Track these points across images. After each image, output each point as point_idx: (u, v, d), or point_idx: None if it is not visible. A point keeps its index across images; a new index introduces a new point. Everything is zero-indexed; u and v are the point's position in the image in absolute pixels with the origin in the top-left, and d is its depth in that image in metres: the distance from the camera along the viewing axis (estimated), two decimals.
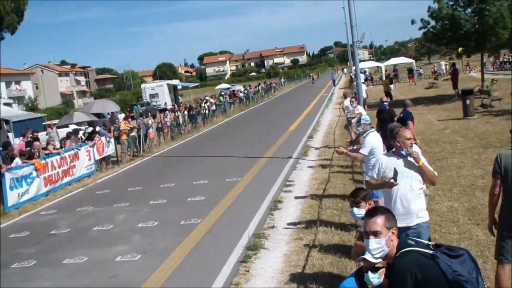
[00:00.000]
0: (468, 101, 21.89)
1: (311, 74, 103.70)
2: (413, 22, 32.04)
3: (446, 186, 11.32)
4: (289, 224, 10.34)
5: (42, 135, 24.89)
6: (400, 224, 5.78)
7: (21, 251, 10.70)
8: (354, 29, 17.44)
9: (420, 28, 31.97)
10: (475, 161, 13.46)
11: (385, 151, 8.21)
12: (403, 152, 5.87)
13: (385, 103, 14.11)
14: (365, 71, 62.95)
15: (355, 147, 13.48)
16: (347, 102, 18.47)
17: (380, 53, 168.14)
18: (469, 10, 29.51)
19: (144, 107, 47.30)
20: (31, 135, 19.34)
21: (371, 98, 38.62)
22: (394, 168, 5.78)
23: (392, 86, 40.62)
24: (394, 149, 6.09)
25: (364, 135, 9.12)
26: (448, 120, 22.05)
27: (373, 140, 8.95)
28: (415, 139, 10.34)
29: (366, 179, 6.39)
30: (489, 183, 10.99)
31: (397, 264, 3.56)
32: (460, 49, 33.76)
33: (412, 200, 5.90)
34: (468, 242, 7.94)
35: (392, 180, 5.74)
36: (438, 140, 17.36)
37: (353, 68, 31.13)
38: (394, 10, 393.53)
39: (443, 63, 61.91)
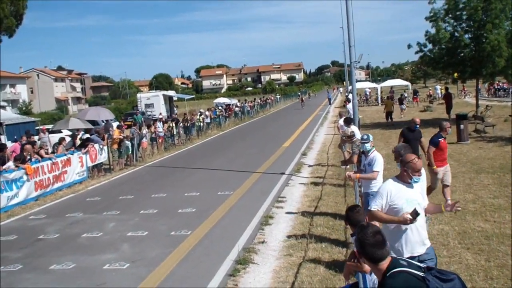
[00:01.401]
0: (462, 126, 21.99)
1: (299, 94, 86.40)
2: (409, 46, 32.28)
3: None
4: (279, 240, 10.31)
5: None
6: (417, 251, 5.67)
7: (7, 255, 10.59)
8: (352, 49, 17.39)
9: (416, 52, 32.23)
10: (467, 186, 13.49)
11: None
12: (411, 181, 5.71)
13: (417, 125, 13.58)
14: (365, 92, 63.28)
15: (347, 166, 13.55)
16: (342, 121, 18.58)
17: (376, 74, 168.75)
18: (466, 36, 29.74)
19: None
20: (27, 138, 19.27)
21: (366, 118, 38.83)
22: (415, 208, 5.50)
23: (403, 106, 40.84)
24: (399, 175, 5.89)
25: (371, 152, 9.16)
26: None
27: (381, 157, 9.05)
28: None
29: (372, 209, 5.80)
30: (480, 208, 11.09)
31: (387, 284, 3.54)
32: (456, 74, 33.98)
33: (424, 227, 5.84)
34: (457, 266, 7.93)
35: (408, 216, 5.46)
36: None
37: (350, 87, 31.22)
38: (392, 32, 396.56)
39: (438, 87, 62.27)
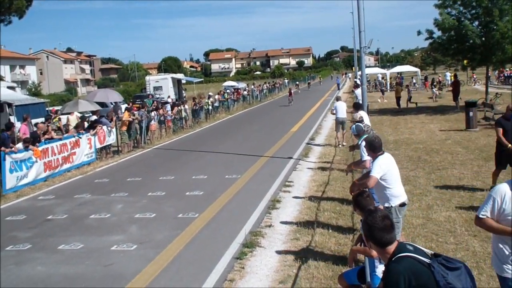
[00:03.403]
0: (471, 113, 21.91)
1: (296, 83, 74.67)
2: (419, 33, 32.04)
3: (445, 196, 11.33)
4: (286, 224, 10.35)
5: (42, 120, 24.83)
6: None
7: (16, 234, 10.71)
8: (362, 34, 17.34)
9: (426, 39, 32.02)
10: (475, 173, 13.45)
11: None
12: None
13: None
14: (378, 78, 63.03)
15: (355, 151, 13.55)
16: (336, 103, 20.88)
17: (386, 60, 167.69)
18: (476, 23, 29.50)
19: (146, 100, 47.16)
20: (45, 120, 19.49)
21: (375, 104, 38.68)
22: None
23: (435, 90, 40.68)
24: None
25: (360, 141, 9.25)
26: (450, 130, 22.04)
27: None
28: None
29: (481, 216, 4.88)
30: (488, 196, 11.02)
31: (391, 268, 3.55)
32: (465, 61, 33.75)
33: None
34: (464, 252, 7.94)
35: None
36: (439, 150, 17.36)
37: (359, 73, 31.09)
38: (402, 18, 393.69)
39: (448, 73, 61.87)
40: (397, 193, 7.18)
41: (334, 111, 20.55)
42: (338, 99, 21.86)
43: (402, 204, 7.14)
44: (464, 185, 12.27)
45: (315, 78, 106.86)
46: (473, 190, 11.69)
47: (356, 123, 10.04)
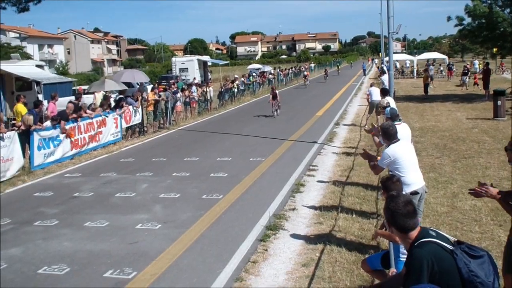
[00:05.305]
0: (499, 102, 21.58)
1: (305, 75, 57.65)
2: (449, 18, 31.72)
3: (470, 184, 11.17)
4: (310, 207, 10.36)
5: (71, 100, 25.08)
6: None
7: (44, 210, 10.90)
8: (390, 19, 17.18)
9: (456, 25, 31.61)
10: (502, 163, 13.27)
11: None
12: None
13: None
14: (406, 64, 62.23)
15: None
16: (371, 89, 21.55)
17: (413, 47, 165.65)
18: (507, 10, 29.01)
19: (172, 81, 47.31)
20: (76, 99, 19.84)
21: (401, 90, 38.34)
22: None
23: (465, 78, 40.19)
24: None
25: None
26: (477, 119, 21.78)
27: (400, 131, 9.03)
28: None
29: None
30: None
31: (415, 252, 3.55)
32: (495, 49, 33.24)
33: None
34: (489, 242, 7.88)
35: None
36: (465, 138, 17.18)
37: (386, 59, 30.80)
38: (431, 4, 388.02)
39: (476, 61, 60.92)
40: (409, 181, 7.22)
41: (369, 96, 21.41)
42: (372, 85, 23.38)
43: (414, 193, 7.12)
44: (490, 174, 12.14)
45: (341, 63, 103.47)
46: (500, 180, 11.57)
47: (391, 107, 9.97)
